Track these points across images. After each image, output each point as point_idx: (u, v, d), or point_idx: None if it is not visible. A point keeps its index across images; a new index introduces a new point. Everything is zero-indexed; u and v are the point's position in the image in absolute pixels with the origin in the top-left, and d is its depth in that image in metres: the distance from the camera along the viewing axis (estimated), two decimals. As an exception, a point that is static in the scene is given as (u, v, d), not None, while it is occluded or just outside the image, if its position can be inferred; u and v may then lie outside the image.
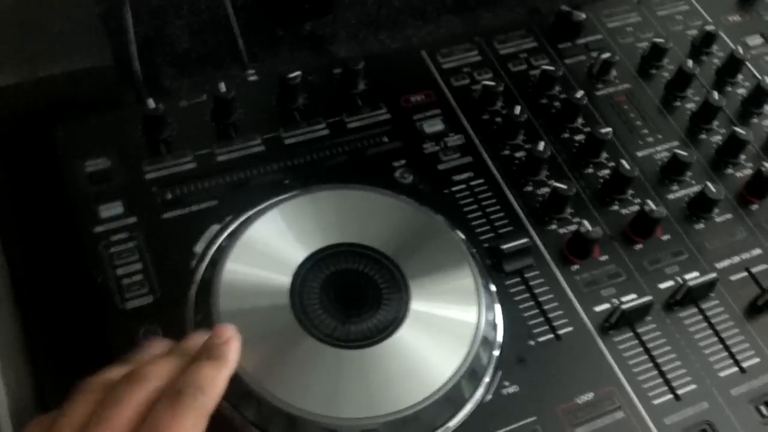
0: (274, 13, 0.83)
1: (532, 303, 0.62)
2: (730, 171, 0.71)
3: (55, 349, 0.59)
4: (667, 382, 0.59)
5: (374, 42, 0.88)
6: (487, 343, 0.59)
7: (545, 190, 0.67)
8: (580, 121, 0.72)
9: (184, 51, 0.81)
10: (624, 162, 0.67)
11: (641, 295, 0.62)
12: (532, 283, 0.63)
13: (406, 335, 0.57)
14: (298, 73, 0.68)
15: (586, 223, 0.63)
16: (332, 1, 0.83)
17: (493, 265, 0.63)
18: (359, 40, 0.88)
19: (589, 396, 0.58)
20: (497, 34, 0.78)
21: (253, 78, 0.74)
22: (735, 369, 0.60)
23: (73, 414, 0.45)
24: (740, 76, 0.77)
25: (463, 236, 0.64)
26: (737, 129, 0.70)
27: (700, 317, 0.62)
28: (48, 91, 0.67)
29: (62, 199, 0.63)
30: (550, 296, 0.62)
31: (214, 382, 0.48)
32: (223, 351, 0.50)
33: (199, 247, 0.61)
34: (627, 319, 0.61)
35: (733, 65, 0.76)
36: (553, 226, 0.66)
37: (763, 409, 0.59)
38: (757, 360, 0.61)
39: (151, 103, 0.65)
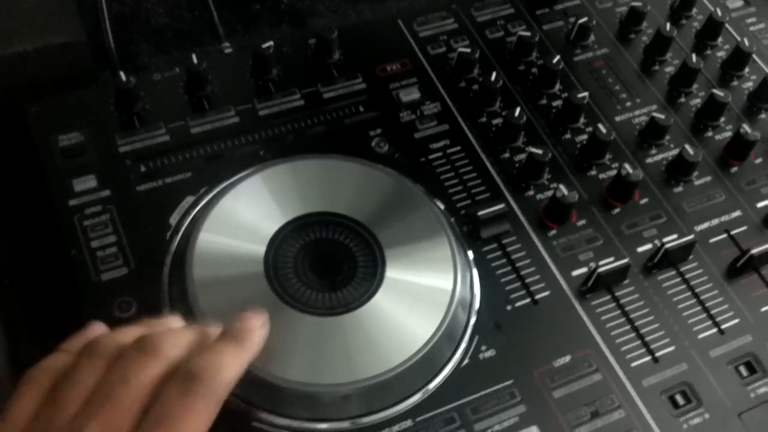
0: (251, -14, 0.82)
1: (509, 268, 0.61)
2: (709, 134, 0.71)
3: (31, 320, 0.59)
4: (645, 344, 0.59)
5: (353, 14, 0.87)
6: (464, 308, 0.59)
7: (522, 156, 0.67)
8: (557, 86, 0.72)
9: (160, 27, 0.80)
10: (601, 126, 0.66)
11: (619, 259, 0.61)
12: (509, 248, 0.62)
13: (381, 302, 0.57)
14: (270, 43, 0.68)
15: (562, 187, 0.63)
16: (309, -26, 0.83)
17: (470, 232, 0.63)
18: (339, 12, 0.87)
19: (566, 359, 0.58)
20: (474, 2, 0.77)
21: (228, 50, 0.74)
22: (714, 330, 0.60)
23: (79, 383, 0.43)
24: (720, 39, 0.76)
25: (440, 204, 0.64)
26: (716, 91, 0.69)
27: (679, 280, 0.62)
28: (21, 67, 0.67)
29: (36, 174, 0.63)
30: (528, 261, 0.62)
31: (232, 367, 0.45)
32: (249, 337, 0.47)
33: (173, 219, 0.61)
34: (604, 283, 0.60)
35: (712, 28, 0.76)
36: (531, 192, 0.65)
37: (742, 369, 0.59)
38: (736, 321, 0.61)
39: (123, 76, 0.64)
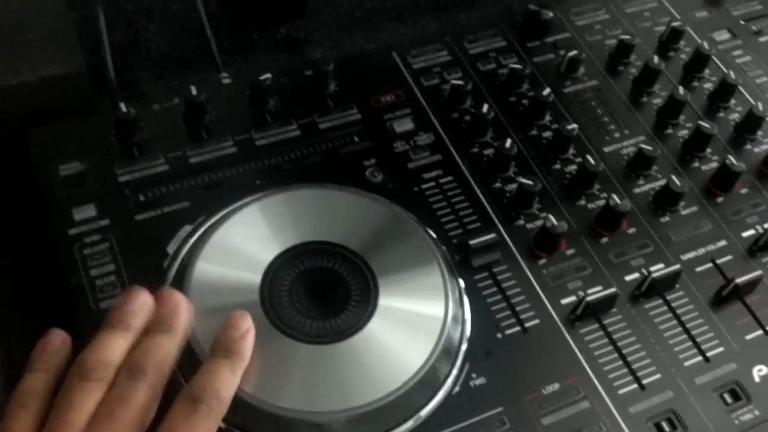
0: (248, 17, 0.84)
1: (499, 297, 0.63)
2: (696, 164, 0.72)
3: (29, 347, 0.60)
4: (632, 371, 0.60)
5: (349, 44, 0.89)
6: (455, 336, 0.60)
7: (513, 186, 0.68)
8: (547, 118, 0.73)
9: (159, 56, 0.82)
10: (590, 157, 0.68)
11: (607, 287, 0.63)
12: (499, 277, 0.64)
13: (375, 330, 0.58)
14: (268, 75, 0.69)
15: (551, 217, 0.64)
16: (306, 4, 0.84)
17: (462, 261, 0.64)
18: (334, 42, 0.89)
19: (555, 386, 0.59)
20: (467, 34, 0.79)
21: (226, 81, 0.75)
22: (699, 358, 0.61)
23: (79, 406, 0.46)
24: (707, 71, 0.78)
25: (432, 233, 0.65)
26: (702, 123, 0.71)
27: (666, 308, 0.64)
28: (22, 97, 0.68)
29: (36, 203, 0.64)
30: (518, 290, 0.63)
31: (229, 385, 0.49)
32: (239, 348, 0.51)
33: (171, 248, 0.62)
34: (592, 311, 0.62)
35: (699, 60, 0.78)
36: (521, 222, 0.67)
37: (726, 397, 0.60)
38: (721, 349, 0.62)
39: (123, 107, 0.66)
